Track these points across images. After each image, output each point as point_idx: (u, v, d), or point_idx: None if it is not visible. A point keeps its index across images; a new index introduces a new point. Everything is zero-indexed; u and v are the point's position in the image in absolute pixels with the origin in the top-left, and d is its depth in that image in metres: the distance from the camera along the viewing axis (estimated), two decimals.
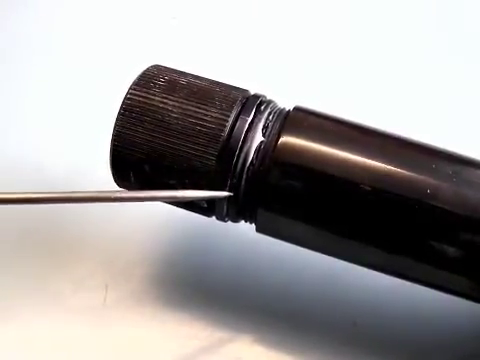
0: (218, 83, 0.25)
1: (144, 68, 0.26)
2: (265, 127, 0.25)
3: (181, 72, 0.26)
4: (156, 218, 0.32)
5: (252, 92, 0.26)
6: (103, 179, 0.26)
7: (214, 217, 0.26)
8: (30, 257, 0.32)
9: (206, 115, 0.24)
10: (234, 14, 0.41)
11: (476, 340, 0.29)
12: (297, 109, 0.26)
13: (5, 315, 0.30)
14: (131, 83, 0.25)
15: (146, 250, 0.32)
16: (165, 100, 0.24)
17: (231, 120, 0.24)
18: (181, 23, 0.41)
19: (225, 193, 0.24)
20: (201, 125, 0.24)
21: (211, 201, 0.25)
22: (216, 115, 0.24)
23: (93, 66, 0.38)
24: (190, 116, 0.24)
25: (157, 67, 0.26)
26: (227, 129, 0.24)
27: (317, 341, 0.29)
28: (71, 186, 0.33)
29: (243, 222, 0.27)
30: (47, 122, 0.37)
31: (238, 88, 0.26)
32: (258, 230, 0.26)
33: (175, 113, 0.24)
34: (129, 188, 0.26)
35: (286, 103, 0.27)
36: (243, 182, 0.25)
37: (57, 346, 0.29)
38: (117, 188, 0.26)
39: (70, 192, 0.22)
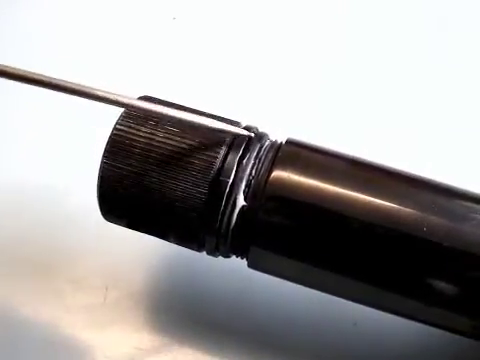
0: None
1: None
2: (254, 165, 0.24)
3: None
4: None
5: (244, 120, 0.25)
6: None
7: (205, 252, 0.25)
8: (30, 257, 0.32)
9: (189, 167, 0.23)
10: (230, 37, 0.40)
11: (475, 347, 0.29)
12: (289, 142, 0.24)
13: (5, 315, 0.30)
14: (113, 127, 0.23)
15: (146, 251, 0.32)
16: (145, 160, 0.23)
17: (218, 164, 0.23)
18: (176, 41, 0.40)
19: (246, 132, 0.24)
20: (183, 178, 0.23)
21: (201, 242, 0.24)
22: (200, 168, 0.23)
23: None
24: (171, 177, 0.23)
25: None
26: (214, 172, 0.23)
27: (317, 341, 0.29)
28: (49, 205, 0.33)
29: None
30: (39, 137, 0.36)
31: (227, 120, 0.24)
32: (250, 266, 0.25)
33: (156, 165, 0.23)
34: (119, 224, 0.25)
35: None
36: (233, 220, 0.24)
37: (57, 346, 0.30)
38: None
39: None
